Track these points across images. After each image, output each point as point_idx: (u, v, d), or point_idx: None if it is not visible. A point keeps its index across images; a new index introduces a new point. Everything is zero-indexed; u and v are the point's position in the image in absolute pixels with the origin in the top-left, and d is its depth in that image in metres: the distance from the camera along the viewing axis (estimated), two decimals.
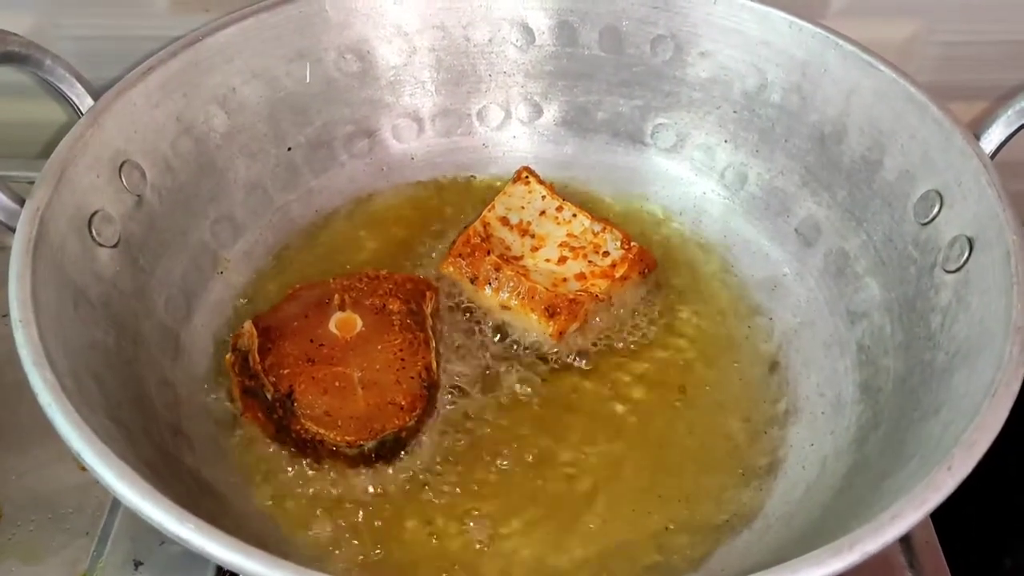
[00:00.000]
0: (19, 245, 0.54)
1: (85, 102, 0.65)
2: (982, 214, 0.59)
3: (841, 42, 0.70)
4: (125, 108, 0.64)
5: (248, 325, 0.65)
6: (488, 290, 0.72)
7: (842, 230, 0.71)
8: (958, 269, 0.60)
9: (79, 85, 0.65)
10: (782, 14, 0.72)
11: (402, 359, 0.65)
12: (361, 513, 0.61)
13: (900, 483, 0.49)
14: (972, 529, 0.74)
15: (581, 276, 0.73)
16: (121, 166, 0.63)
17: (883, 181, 0.68)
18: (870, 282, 0.68)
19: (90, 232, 0.60)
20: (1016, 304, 0.53)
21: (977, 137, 0.63)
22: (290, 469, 0.62)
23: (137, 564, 0.63)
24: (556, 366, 0.69)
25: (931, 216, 0.63)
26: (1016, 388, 0.49)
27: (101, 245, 0.61)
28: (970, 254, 0.59)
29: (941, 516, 0.68)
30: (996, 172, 0.60)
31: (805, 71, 0.72)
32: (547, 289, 0.71)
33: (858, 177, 0.70)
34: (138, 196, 0.65)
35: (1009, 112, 0.63)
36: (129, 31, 0.79)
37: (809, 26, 0.71)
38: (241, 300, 0.72)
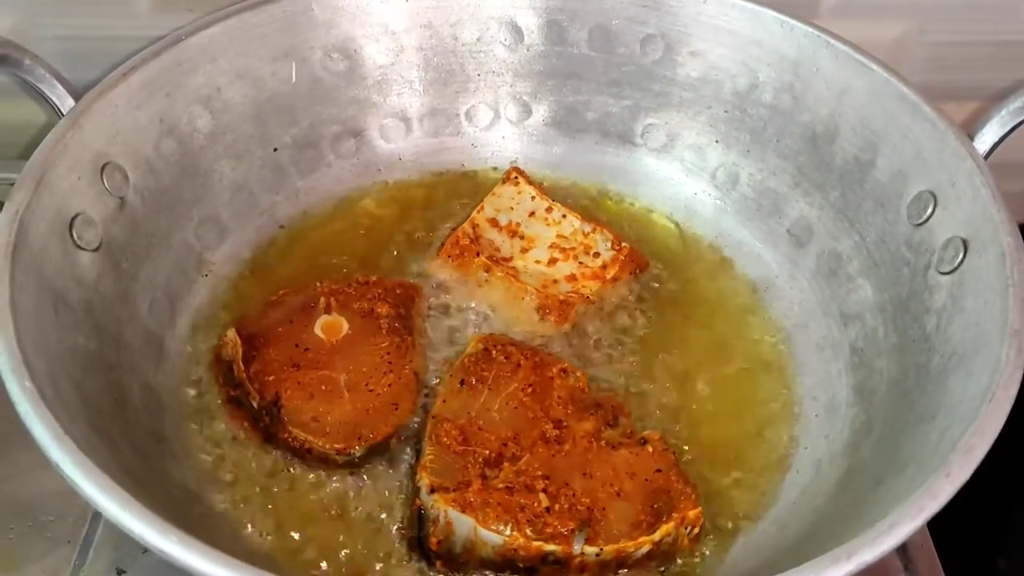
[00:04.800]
0: None
1: (66, 103, 0.64)
2: (976, 215, 0.59)
3: (833, 41, 0.70)
4: (106, 109, 0.63)
5: (231, 334, 0.64)
6: (477, 292, 0.71)
7: (834, 231, 0.71)
8: (952, 271, 0.59)
9: (59, 86, 0.64)
10: (773, 13, 0.72)
11: (389, 362, 0.64)
12: (348, 520, 0.60)
13: (897, 489, 0.49)
14: (966, 530, 0.73)
15: (572, 278, 0.72)
16: (103, 168, 0.62)
17: (876, 181, 0.68)
18: (863, 283, 0.68)
19: (71, 235, 0.59)
20: (1012, 306, 0.52)
21: (971, 137, 0.63)
22: (276, 477, 0.61)
23: (120, 572, 0.62)
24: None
25: (925, 217, 0.63)
26: (1014, 392, 0.49)
27: (82, 248, 0.60)
28: (964, 256, 0.59)
29: (935, 518, 0.68)
30: (990, 173, 0.59)
31: (797, 71, 0.72)
32: (537, 291, 0.70)
33: (850, 177, 0.70)
34: (120, 198, 0.63)
35: (1003, 112, 0.63)
36: (112, 31, 0.78)
37: (801, 25, 0.71)
38: (227, 303, 0.71)
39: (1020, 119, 0.62)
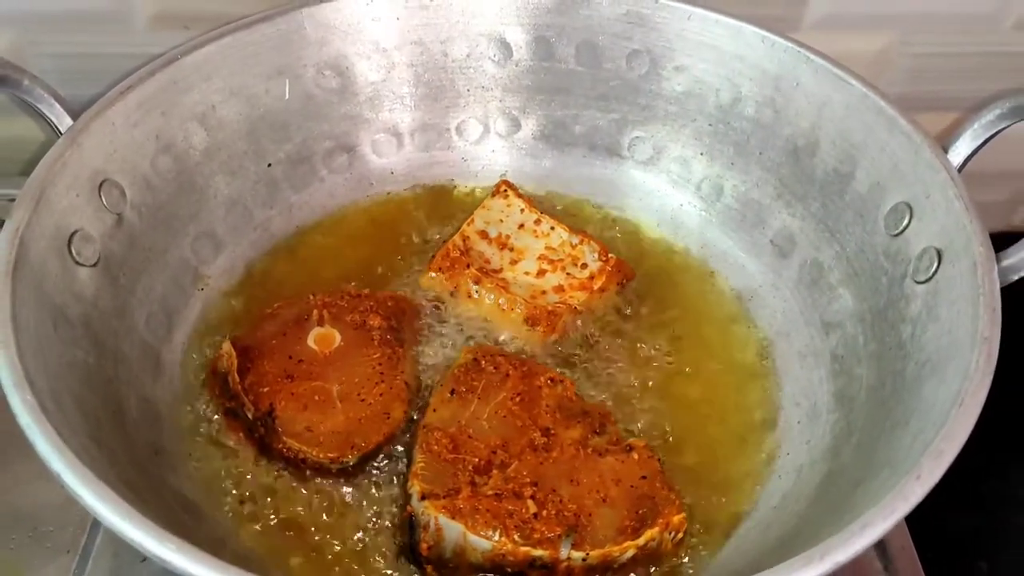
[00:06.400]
0: None
1: (64, 121, 0.66)
2: (950, 226, 0.60)
3: (813, 57, 0.71)
4: (104, 127, 0.64)
5: (226, 346, 0.65)
6: (468, 303, 0.72)
7: (816, 241, 0.72)
8: (927, 280, 0.61)
9: (57, 105, 0.65)
10: (755, 29, 0.73)
11: (381, 373, 0.65)
12: (342, 527, 0.61)
13: (871, 493, 0.50)
14: (948, 533, 0.75)
15: (560, 288, 0.74)
16: (100, 185, 0.63)
17: (855, 193, 0.69)
18: (843, 292, 0.69)
19: (70, 252, 0.60)
20: (982, 315, 0.54)
21: (945, 150, 0.65)
22: (271, 485, 0.63)
23: None
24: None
25: (901, 228, 0.64)
26: (982, 398, 0.50)
27: (81, 264, 0.61)
28: (939, 265, 0.60)
29: (917, 521, 0.69)
30: (963, 184, 0.61)
31: (778, 85, 0.73)
32: (526, 301, 0.71)
33: (831, 189, 0.71)
34: (118, 215, 0.65)
35: (975, 126, 0.64)
36: (108, 48, 0.79)
37: (781, 41, 0.72)
38: (222, 316, 0.72)
39: (992, 132, 0.64)
